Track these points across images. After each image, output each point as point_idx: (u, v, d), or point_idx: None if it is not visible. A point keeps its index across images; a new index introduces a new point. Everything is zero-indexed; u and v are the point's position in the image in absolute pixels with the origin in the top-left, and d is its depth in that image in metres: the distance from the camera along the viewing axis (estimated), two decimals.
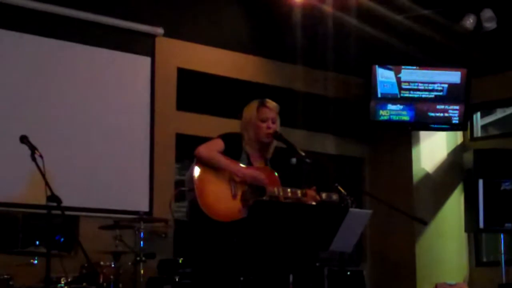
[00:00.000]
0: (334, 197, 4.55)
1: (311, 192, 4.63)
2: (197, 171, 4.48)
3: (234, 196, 4.51)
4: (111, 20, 7.17)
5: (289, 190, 4.62)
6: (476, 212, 8.08)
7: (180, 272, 6.29)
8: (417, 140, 8.79)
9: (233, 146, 4.65)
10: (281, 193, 4.58)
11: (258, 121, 4.70)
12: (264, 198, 4.53)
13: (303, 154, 4.55)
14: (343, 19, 8.27)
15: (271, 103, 4.78)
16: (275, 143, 4.78)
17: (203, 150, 4.53)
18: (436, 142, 8.92)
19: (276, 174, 4.72)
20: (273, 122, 4.73)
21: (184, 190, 4.63)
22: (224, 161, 4.53)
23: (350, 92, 8.86)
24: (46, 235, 5.24)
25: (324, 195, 4.59)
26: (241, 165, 4.63)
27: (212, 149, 4.55)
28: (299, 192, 4.63)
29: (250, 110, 4.76)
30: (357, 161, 9.20)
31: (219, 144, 4.60)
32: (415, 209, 8.41)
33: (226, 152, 4.58)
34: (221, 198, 4.47)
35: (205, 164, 4.50)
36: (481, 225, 8.07)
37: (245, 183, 4.56)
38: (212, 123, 7.58)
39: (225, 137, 4.67)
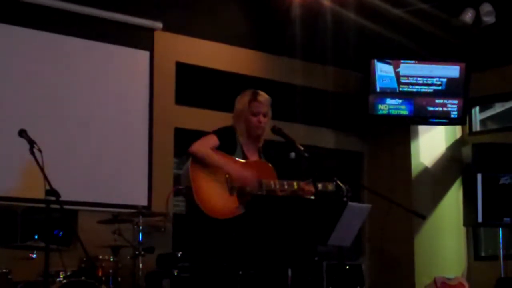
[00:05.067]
0: (330, 187, 4.54)
1: (307, 184, 4.61)
2: (192, 168, 4.47)
3: (230, 193, 4.50)
4: (110, 14, 7.16)
5: (285, 182, 4.61)
6: (474, 207, 8.08)
7: (179, 266, 6.30)
8: (416, 134, 8.79)
9: (228, 140, 4.63)
10: (277, 186, 4.58)
11: (250, 115, 4.68)
12: (261, 192, 4.53)
13: (302, 148, 4.54)
14: (342, 13, 8.27)
15: (263, 96, 4.75)
16: (266, 134, 4.78)
17: (197, 147, 4.50)
18: (435, 136, 8.92)
19: (271, 166, 4.71)
20: (265, 116, 4.71)
21: (181, 188, 4.62)
22: (217, 160, 4.50)
23: (349, 87, 8.86)
24: (45, 229, 5.24)
25: (319, 185, 4.57)
26: (237, 159, 4.61)
27: (206, 147, 4.53)
28: (295, 184, 4.62)
29: (242, 103, 4.73)
30: (356, 156, 9.20)
31: (213, 140, 4.58)
32: (414, 203, 8.42)
33: (221, 147, 4.57)
34: (218, 195, 4.46)
35: (200, 162, 4.49)
36: (480, 219, 8.07)
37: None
38: (211, 117, 7.57)
39: (219, 132, 4.65)
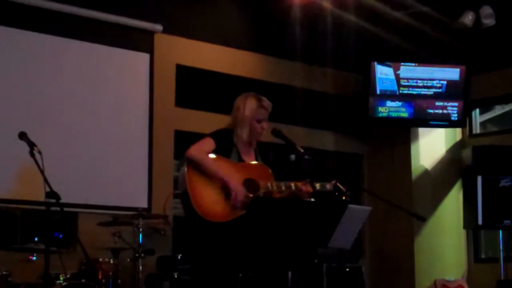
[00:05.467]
0: (328, 186, 4.53)
1: (305, 185, 4.61)
2: (188, 172, 4.46)
3: (227, 196, 4.49)
4: (110, 17, 7.16)
5: (282, 183, 4.61)
6: (474, 209, 8.07)
7: (179, 268, 6.29)
8: (416, 136, 8.80)
9: (224, 143, 4.62)
10: (274, 188, 4.57)
11: (254, 121, 4.68)
12: (258, 193, 4.52)
13: (302, 150, 4.54)
14: (342, 16, 8.27)
15: (267, 103, 4.74)
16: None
17: (193, 152, 4.49)
18: (435, 138, 8.92)
19: (267, 167, 4.71)
20: (266, 122, 4.73)
21: (178, 193, 4.61)
22: (212, 168, 4.48)
23: (349, 89, 8.87)
24: (45, 232, 5.24)
25: (317, 185, 4.57)
26: (233, 162, 4.61)
27: (203, 151, 4.51)
28: (292, 185, 4.61)
29: (248, 109, 4.69)
30: (356, 158, 9.21)
31: (210, 144, 4.56)
32: (414, 205, 8.42)
33: (217, 150, 4.56)
34: (215, 199, 4.45)
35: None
36: (480, 221, 8.06)
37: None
38: (210, 119, 7.57)
39: (215, 135, 4.63)
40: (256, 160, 4.76)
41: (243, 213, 4.40)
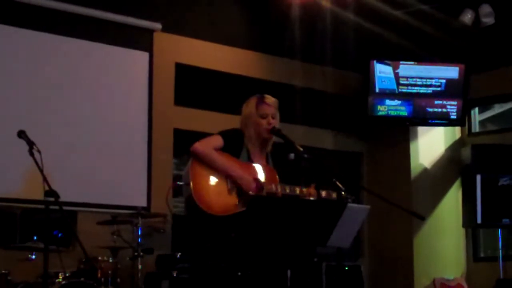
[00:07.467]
0: (334, 195, 4.54)
1: (310, 191, 4.62)
2: (193, 165, 4.47)
3: (230, 191, 4.50)
4: (109, 15, 7.16)
5: (287, 187, 4.61)
6: (473, 208, 8.09)
7: (178, 267, 6.30)
8: (415, 135, 8.80)
9: (233, 143, 4.62)
10: (279, 190, 4.58)
11: (258, 117, 4.68)
12: (262, 193, 4.53)
13: (302, 149, 4.54)
14: (341, 14, 8.27)
15: (270, 99, 4.76)
16: (274, 137, 4.78)
17: (198, 146, 4.50)
18: (434, 137, 8.92)
19: (275, 171, 4.71)
20: (273, 118, 4.72)
21: (181, 184, 4.62)
22: (218, 159, 4.50)
23: (348, 88, 8.86)
24: (44, 230, 5.24)
25: (323, 193, 4.58)
26: (240, 161, 4.61)
27: (209, 146, 4.52)
28: (297, 189, 4.62)
29: (249, 106, 4.73)
30: (355, 157, 9.21)
31: (218, 141, 4.57)
32: (413, 204, 8.42)
33: (225, 149, 4.56)
34: (217, 193, 4.46)
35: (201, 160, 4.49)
36: (479, 220, 8.08)
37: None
38: (210, 118, 7.58)
39: (225, 134, 4.64)
40: (267, 164, 4.76)
41: (244, 210, 4.40)
